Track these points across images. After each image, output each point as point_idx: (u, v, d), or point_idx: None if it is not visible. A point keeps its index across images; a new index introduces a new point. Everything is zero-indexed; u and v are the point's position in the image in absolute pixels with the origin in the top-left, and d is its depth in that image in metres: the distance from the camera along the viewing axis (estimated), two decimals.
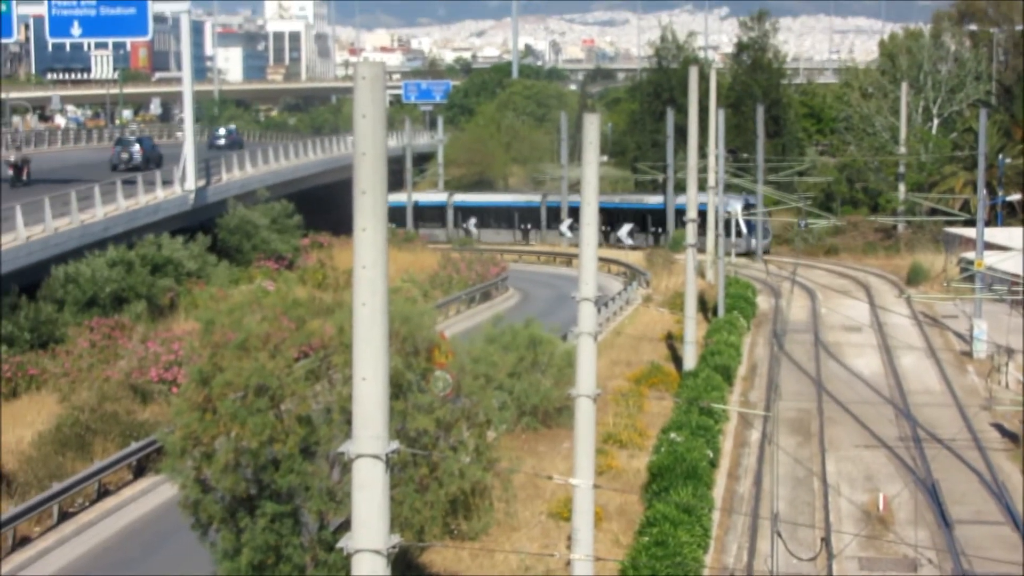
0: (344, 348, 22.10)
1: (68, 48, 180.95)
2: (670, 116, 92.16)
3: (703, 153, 71.36)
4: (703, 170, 68.25)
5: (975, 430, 41.03)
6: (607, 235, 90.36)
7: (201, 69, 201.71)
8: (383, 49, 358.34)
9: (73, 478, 33.07)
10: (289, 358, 22.70)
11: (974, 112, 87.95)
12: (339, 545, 13.81)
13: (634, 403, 42.33)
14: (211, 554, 23.35)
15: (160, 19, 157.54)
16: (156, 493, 33.99)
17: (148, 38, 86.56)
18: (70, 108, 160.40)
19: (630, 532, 30.06)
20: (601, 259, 40.88)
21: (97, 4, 63.93)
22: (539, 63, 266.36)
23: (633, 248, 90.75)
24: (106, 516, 33.16)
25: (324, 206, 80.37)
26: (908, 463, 37.86)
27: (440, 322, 53.83)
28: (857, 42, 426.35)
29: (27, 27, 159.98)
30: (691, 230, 50.11)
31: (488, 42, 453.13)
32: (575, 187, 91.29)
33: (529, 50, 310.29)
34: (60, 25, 65.01)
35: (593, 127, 23.39)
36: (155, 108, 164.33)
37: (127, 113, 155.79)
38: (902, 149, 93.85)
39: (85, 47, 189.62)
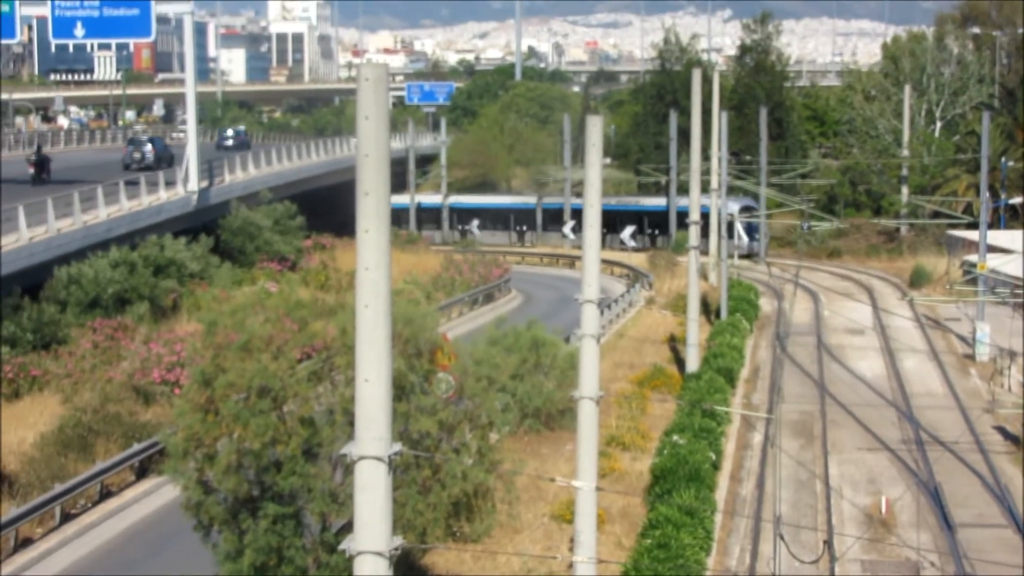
0: (347, 350, 22.09)
1: (71, 49, 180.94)
2: (673, 118, 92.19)
3: (706, 155, 71.36)
4: (706, 172, 68.26)
5: (977, 433, 41.02)
6: (603, 237, 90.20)
7: (204, 70, 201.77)
8: (386, 51, 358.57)
9: (75, 479, 33.07)
10: (292, 359, 22.69)
11: (977, 115, 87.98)
12: (341, 547, 13.80)
13: (637, 405, 42.34)
14: (213, 555, 23.34)
15: (163, 20, 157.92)
16: (158, 494, 33.99)
17: (151, 39, 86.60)
18: (73, 109, 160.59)
19: (633, 534, 30.04)
20: (604, 261, 40.87)
21: (100, 5, 63.93)
22: (542, 65, 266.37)
23: (636, 250, 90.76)
24: (108, 517, 33.16)
25: (327, 207, 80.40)
26: (910, 466, 37.85)
27: (443, 324, 53.79)
28: (860, 45, 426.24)
29: (30, 28, 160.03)
30: (694, 232, 50.11)
31: (491, 44, 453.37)
32: (576, 188, 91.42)
33: (532, 52, 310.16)
34: (63, 26, 65.02)
35: (596, 129, 23.38)
36: (158, 109, 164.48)
37: (130, 114, 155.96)
38: (905, 152, 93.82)
39: (88, 48, 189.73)
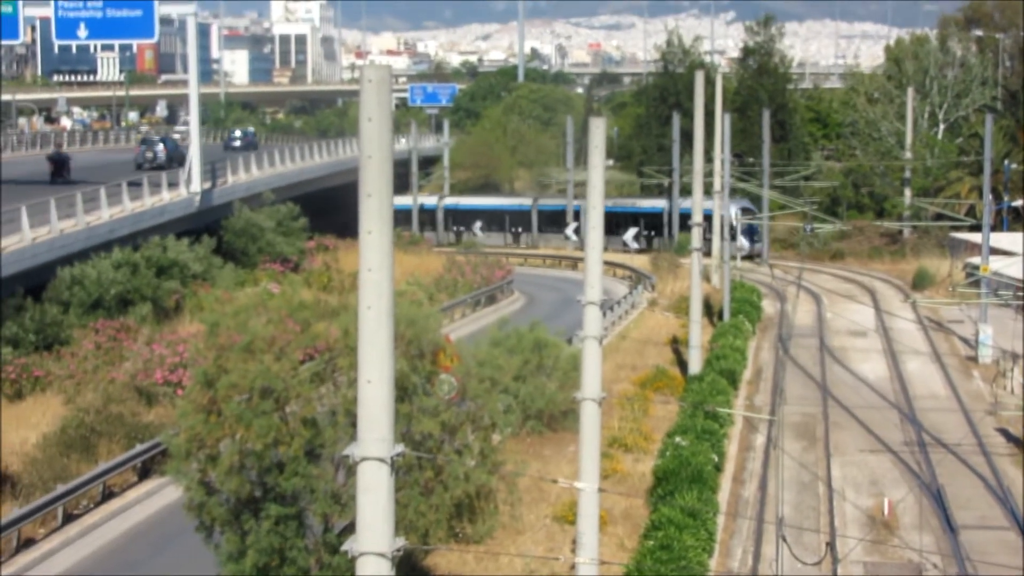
0: (349, 351, 22.11)
1: (74, 50, 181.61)
2: (676, 120, 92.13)
3: (709, 157, 71.32)
4: (709, 175, 68.24)
5: (980, 435, 41.00)
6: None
7: (207, 71, 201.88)
8: (389, 52, 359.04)
9: (78, 480, 33.08)
10: (294, 360, 22.70)
11: (980, 117, 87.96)
12: (344, 548, 13.80)
13: (639, 407, 42.34)
14: (216, 556, 23.35)
15: (166, 21, 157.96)
16: (161, 495, 34.00)
17: (154, 40, 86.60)
18: (76, 110, 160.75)
19: (635, 536, 30.04)
20: (606, 263, 40.87)
21: (103, 6, 63.96)
22: (545, 67, 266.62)
23: (638, 252, 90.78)
24: (111, 518, 33.17)
25: (330, 209, 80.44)
26: (913, 468, 37.85)
27: (445, 325, 53.74)
28: (863, 47, 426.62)
29: (33, 29, 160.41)
30: (696, 234, 50.11)
31: (494, 45, 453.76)
32: (579, 190, 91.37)
33: (535, 54, 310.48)
34: (66, 27, 65.06)
35: (599, 131, 23.38)
36: (161, 110, 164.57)
37: (133, 115, 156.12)
38: (908, 154, 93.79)
39: (91, 49, 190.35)
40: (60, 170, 69.88)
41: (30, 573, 29.53)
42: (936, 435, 41.21)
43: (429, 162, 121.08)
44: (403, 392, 21.98)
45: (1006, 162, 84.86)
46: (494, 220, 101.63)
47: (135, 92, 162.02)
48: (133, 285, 52.67)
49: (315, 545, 22.64)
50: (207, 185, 66.10)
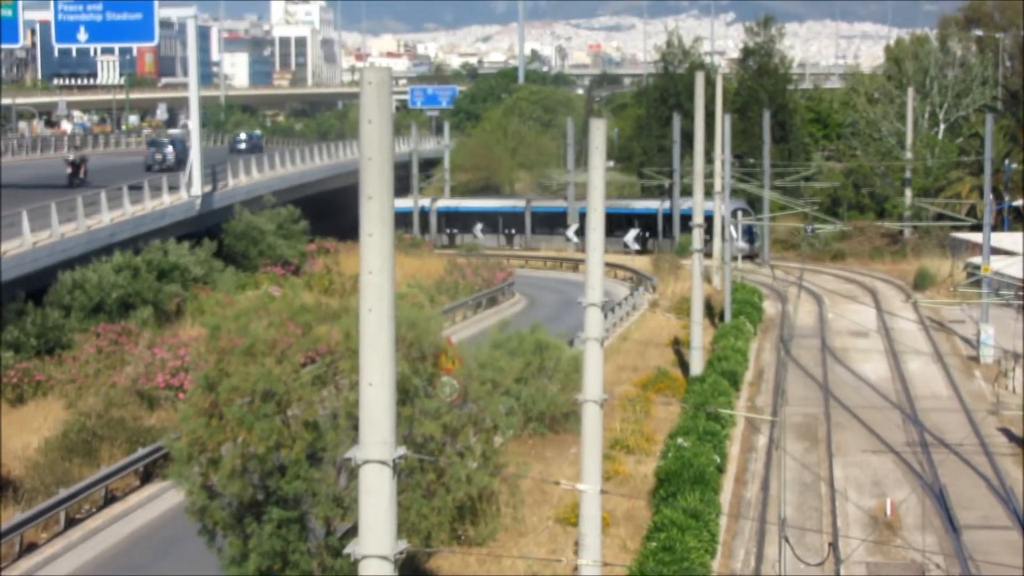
0: (351, 353, 22.10)
1: (74, 53, 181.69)
2: (676, 121, 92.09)
3: (709, 158, 71.31)
4: (709, 175, 68.22)
5: (982, 435, 40.99)
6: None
7: (207, 74, 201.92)
8: (389, 54, 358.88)
9: (80, 484, 33.08)
10: (296, 364, 22.70)
11: (980, 117, 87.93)
12: (346, 551, 13.80)
13: (641, 408, 42.33)
14: (218, 560, 23.35)
15: (166, 24, 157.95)
16: (163, 499, 34.01)
17: (154, 43, 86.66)
18: (76, 113, 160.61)
19: (637, 537, 30.04)
20: (607, 264, 40.85)
21: (103, 9, 64.02)
22: (545, 68, 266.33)
23: (638, 253, 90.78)
24: (113, 522, 33.17)
25: (330, 211, 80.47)
26: (915, 468, 37.83)
27: (447, 327, 53.79)
28: (863, 47, 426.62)
29: (33, 32, 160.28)
30: (697, 235, 50.09)
31: (494, 47, 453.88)
32: (579, 192, 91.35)
33: (535, 55, 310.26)
34: (66, 30, 65.11)
35: (600, 132, 23.37)
36: (161, 113, 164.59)
37: (133, 119, 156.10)
38: (908, 154, 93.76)
39: (91, 52, 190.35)
40: (77, 173, 69.98)
41: None
42: (938, 435, 41.20)
43: (430, 164, 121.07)
44: (405, 395, 21.97)
45: (1007, 162, 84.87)
46: (488, 222, 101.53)
47: (135, 95, 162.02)
48: (134, 289, 52.69)
49: (317, 548, 22.64)
50: (208, 188, 66.15)
